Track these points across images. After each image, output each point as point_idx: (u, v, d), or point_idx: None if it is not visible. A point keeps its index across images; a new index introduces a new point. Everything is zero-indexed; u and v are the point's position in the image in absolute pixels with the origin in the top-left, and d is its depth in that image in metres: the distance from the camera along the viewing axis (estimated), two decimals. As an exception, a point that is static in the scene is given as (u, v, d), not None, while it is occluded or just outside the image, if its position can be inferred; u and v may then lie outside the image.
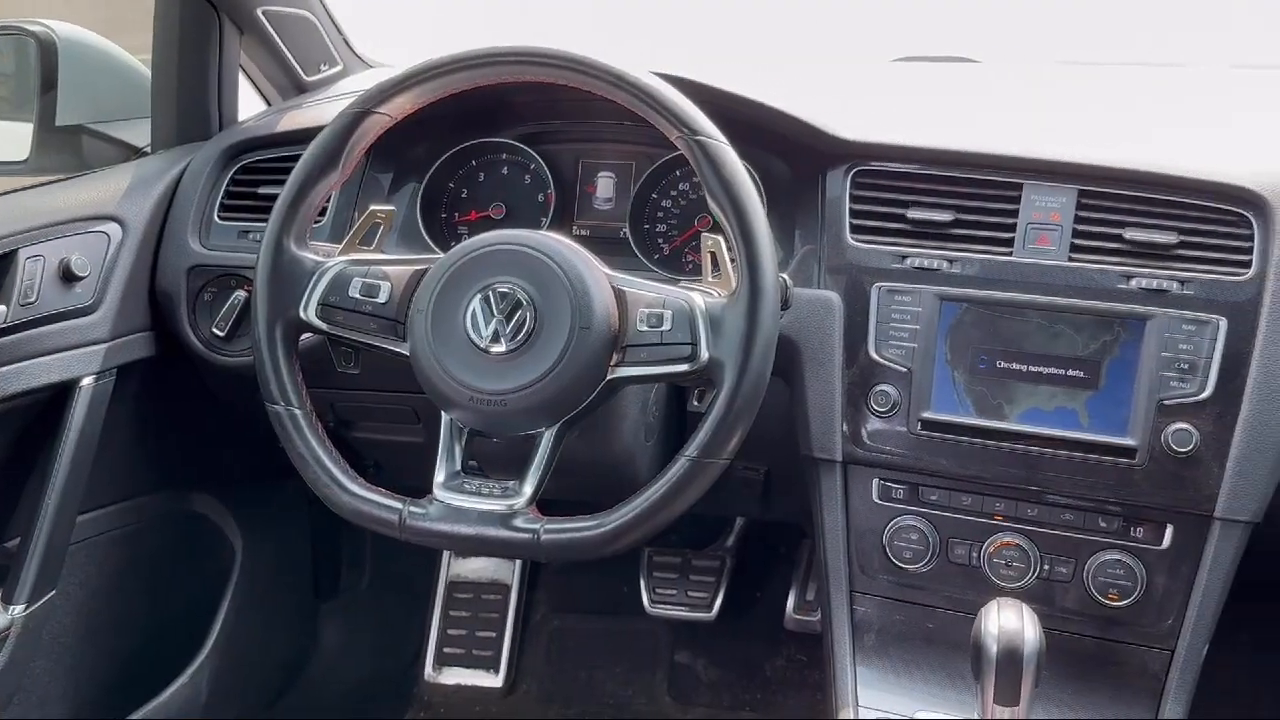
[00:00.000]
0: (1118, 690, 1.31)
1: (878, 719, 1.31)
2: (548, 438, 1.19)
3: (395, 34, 2.34)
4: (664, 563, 2.34)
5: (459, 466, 1.22)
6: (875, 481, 1.40)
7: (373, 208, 1.29)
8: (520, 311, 1.16)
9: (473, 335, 1.17)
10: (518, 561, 2.45)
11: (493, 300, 1.17)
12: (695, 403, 1.49)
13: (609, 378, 1.18)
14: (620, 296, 1.18)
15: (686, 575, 2.32)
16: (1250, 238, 1.28)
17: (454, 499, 1.19)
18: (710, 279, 1.21)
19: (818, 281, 1.41)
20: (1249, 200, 1.28)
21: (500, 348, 1.16)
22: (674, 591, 2.31)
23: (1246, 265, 1.27)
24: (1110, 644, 1.33)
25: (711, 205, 1.18)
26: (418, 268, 1.24)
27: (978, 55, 2.03)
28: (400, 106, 1.26)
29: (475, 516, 1.18)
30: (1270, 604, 1.94)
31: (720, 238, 1.19)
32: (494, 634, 2.40)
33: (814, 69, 2.10)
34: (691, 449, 1.15)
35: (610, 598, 2.41)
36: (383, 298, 1.23)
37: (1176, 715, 1.28)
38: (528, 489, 1.18)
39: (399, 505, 1.20)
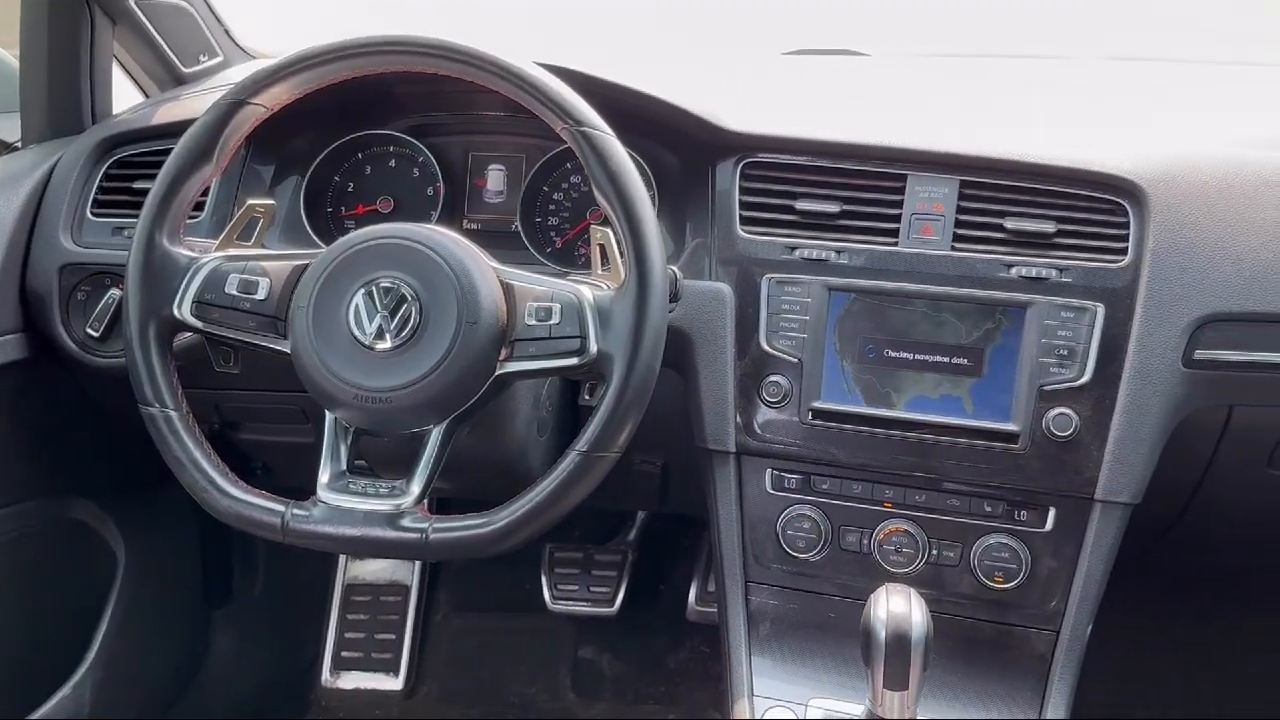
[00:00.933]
0: (1005, 671, 1.33)
1: (774, 709, 1.32)
2: (436, 435, 1.17)
3: (283, 22, 2.28)
4: (565, 559, 2.33)
5: (345, 466, 1.19)
6: (769, 471, 1.40)
7: (250, 202, 1.26)
8: (405, 306, 1.14)
9: (356, 332, 1.14)
10: (417, 562, 2.41)
11: (376, 295, 1.15)
12: (587, 396, 1.48)
13: (498, 373, 1.16)
14: (508, 290, 1.17)
15: (588, 571, 2.32)
16: (1126, 225, 1.31)
17: (339, 500, 1.16)
18: (600, 272, 1.20)
19: (709, 274, 1.41)
20: (1124, 189, 1.32)
21: (385, 344, 1.14)
22: (576, 587, 2.31)
23: (1123, 253, 1.30)
24: (998, 626, 1.35)
25: (598, 197, 1.17)
26: (298, 263, 1.20)
27: (866, 49, 2.05)
28: (276, 97, 1.23)
29: (360, 517, 1.15)
30: (1154, 585, 2.01)
31: (609, 230, 1.18)
32: (393, 636, 2.36)
33: (706, 61, 2.10)
34: (582, 443, 1.14)
35: (512, 596, 2.40)
36: (261, 294, 1.20)
37: (1062, 694, 1.31)
38: (415, 488, 1.16)
39: (281, 508, 1.17)
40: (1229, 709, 2.10)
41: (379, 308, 1.14)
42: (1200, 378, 1.29)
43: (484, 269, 1.16)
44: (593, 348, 1.14)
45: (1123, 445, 1.28)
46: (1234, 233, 1.29)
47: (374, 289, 1.15)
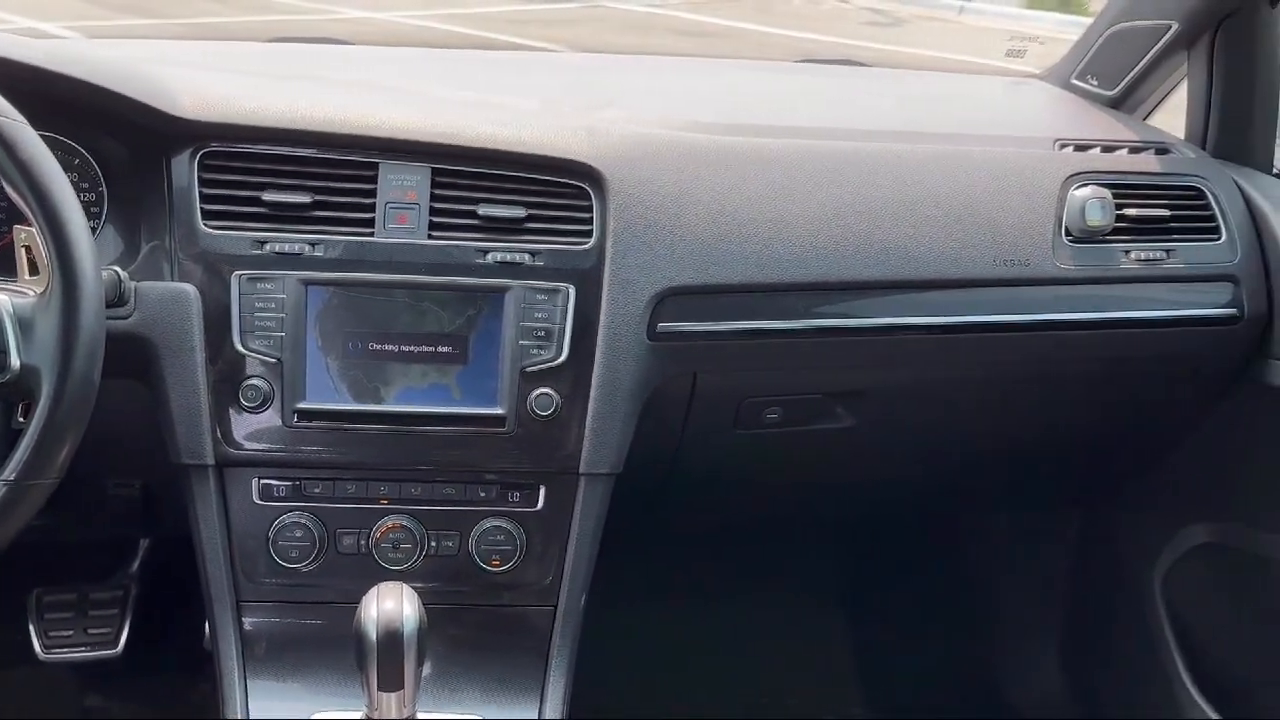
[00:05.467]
0: (508, 652, 1.36)
1: None
2: None
3: None
4: (56, 602, 2.07)
5: None
6: (255, 481, 1.33)
7: None
8: None
9: None
10: None
11: None
12: (20, 419, 1.31)
13: None
14: None
15: (84, 612, 2.07)
16: (590, 209, 1.36)
17: None
18: (27, 278, 1.08)
19: (172, 274, 1.31)
20: (586, 174, 1.37)
21: None
22: (71, 632, 2.06)
23: (588, 235, 1.35)
24: (500, 609, 1.37)
25: (10, 193, 1.04)
26: None
27: (350, 37, 2.01)
28: None
29: None
30: (653, 550, 2.15)
31: (35, 230, 1.05)
32: None
33: (188, 48, 1.96)
34: (9, 470, 1.01)
35: (-4, 652, 2.11)
36: None
37: (562, 664, 1.35)
38: None
39: None
40: (729, 656, 2.29)
41: None
42: (664, 349, 1.37)
43: None
44: (14, 363, 1.02)
45: (600, 419, 1.33)
46: (683, 211, 1.38)
47: None
